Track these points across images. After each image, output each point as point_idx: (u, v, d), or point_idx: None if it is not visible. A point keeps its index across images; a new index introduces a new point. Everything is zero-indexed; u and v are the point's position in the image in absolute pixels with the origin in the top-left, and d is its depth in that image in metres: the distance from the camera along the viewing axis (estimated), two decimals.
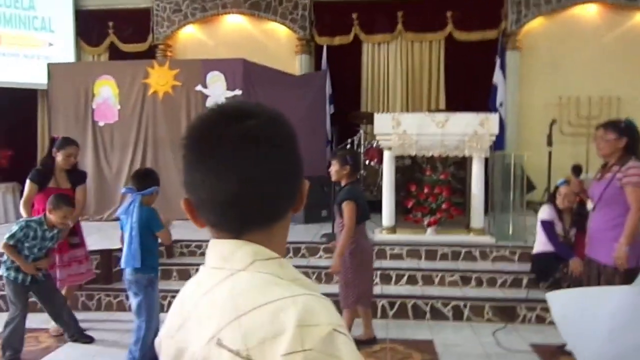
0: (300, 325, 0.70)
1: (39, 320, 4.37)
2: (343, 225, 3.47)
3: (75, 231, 4.15)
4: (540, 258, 4.26)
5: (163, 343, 0.86)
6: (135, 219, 3.29)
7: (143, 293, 3.36)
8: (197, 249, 5.19)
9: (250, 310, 0.73)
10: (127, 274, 3.37)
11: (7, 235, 3.54)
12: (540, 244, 4.24)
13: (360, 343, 3.57)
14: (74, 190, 4.10)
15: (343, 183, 3.62)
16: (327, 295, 0.80)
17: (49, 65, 7.04)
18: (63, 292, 4.06)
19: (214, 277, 0.80)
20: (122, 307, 4.63)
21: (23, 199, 3.97)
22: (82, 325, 4.05)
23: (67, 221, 3.66)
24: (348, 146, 7.75)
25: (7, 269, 3.60)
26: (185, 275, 4.81)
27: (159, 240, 3.52)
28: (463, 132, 5.05)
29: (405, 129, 5.12)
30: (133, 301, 3.41)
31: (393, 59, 8.18)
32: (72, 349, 3.82)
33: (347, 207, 3.42)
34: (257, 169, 0.80)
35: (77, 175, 4.17)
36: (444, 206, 5.13)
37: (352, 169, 3.57)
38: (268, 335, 0.70)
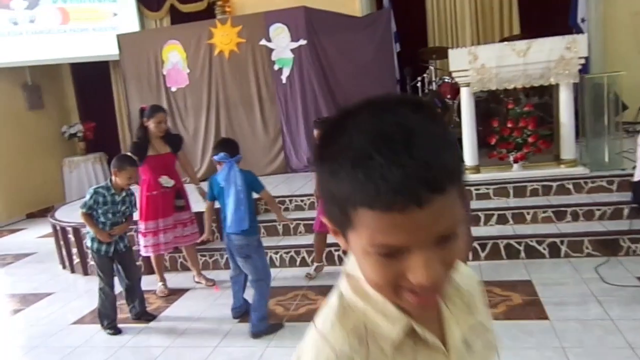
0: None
1: (147, 282, 4.70)
2: None
3: (181, 194, 4.36)
4: None
5: None
6: (240, 184, 3.39)
7: (256, 253, 3.50)
8: (281, 205, 5.28)
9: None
10: (236, 239, 3.43)
11: (80, 205, 3.71)
12: None
13: None
14: (174, 154, 4.31)
15: None
16: None
17: (118, 36, 7.19)
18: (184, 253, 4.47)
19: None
20: (217, 266, 4.85)
21: None
22: (184, 282, 4.36)
23: (132, 182, 3.73)
24: (419, 84, 7.49)
25: (91, 240, 3.71)
26: (273, 232, 4.95)
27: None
28: (548, 58, 4.70)
29: (483, 63, 4.84)
30: (246, 265, 3.48)
31: None
32: (178, 309, 4.07)
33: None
34: None
35: (173, 139, 4.36)
36: (530, 140, 4.86)
37: None
38: None
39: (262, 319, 3.45)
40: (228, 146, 3.50)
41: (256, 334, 3.42)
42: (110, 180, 3.70)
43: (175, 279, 4.68)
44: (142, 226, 4.27)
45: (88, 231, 3.77)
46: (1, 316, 4.38)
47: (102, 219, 3.65)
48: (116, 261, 3.77)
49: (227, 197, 3.44)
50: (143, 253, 4.40)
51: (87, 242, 3.83)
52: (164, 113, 4.26)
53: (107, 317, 3.75)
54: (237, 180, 3.40)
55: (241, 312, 3.72)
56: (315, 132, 4.11)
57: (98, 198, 3.62)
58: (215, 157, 3.50)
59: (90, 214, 3.63)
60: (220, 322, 3.71)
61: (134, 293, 3.88)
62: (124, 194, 3.73)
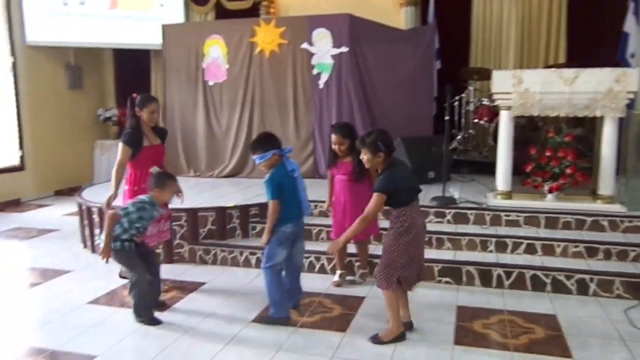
0: None
1: (164, 271, 4.70)
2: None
3: None
4: None
5: None
6: (299, 173, 3.64)
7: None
8: None
9: None
10: (302, 224, 3.70)
11: (122, 208, 3.58)
12: None
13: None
14: (163, 144, 4.16)
15: (380, 170, 3.31)
16: None
17: (163, 26, 7.29)
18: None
19: None
20: (235, 263, 4.82)
21: (118, 162, 3.95)
22: (201, 276, 4.37)
23: (175, 194, 3.74)
24: (455, 104, 7.40)
25: (114, 240, 3.50)
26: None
27: None
28: (595, 89, 4.58)
29: (527, 87, 4.74)
30: (300, 245, 3.73)
31: (507, 8, 7.56)
32: (192, 302, 4.04)
33: (374, 199, 3.19)
34: None
35: (162, 131, 4.22)
36: (568, 171, 4.73)
37: (386, 155, 3.24)
38: None
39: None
40: (276, 140, 3.60)
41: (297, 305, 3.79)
42: (153, 196, 3.59)
43: (192, 272, 4.67)
44: None
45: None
46: (20, 288, 4.42)
47: (137, 224, 3.54)
48: (138, 252, 3.64)
49: (296, 186, 3.59)
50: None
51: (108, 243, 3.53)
52: (157, 103, 4.07)
53: (145, 308, 3.65)
54: (298, 171, 3.63)
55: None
56: (333, 137, 4.01)
57: (143, 214, 3.54)
58: (287, 150, 3.62)
59: (118, 220, 3.48)
60: (232, 320, 3.67)
61: (157, 276, 3.85)
62: (162, 210, 3.76)
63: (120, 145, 3.96)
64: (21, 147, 7.86)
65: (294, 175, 3.58)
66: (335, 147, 4.03)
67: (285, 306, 3.61)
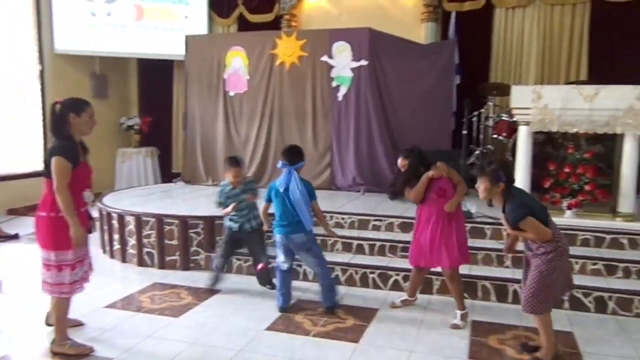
0: None
1: (181, 278, 4.75)
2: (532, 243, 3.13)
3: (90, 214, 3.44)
4: None
5: None
6: (301, 189, 3.80)
7: (316, 247, 3.99)
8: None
9: None
10: (297, 238, 3.87)
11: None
12: None
13: None
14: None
15: (497, 201, 3.16)
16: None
17: (186, 37, 7.44)
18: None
19: None
20: (250, 271, 4.83)
21: (63, 185, 3.09)
22: (197, 284, 4.45)
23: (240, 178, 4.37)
24: (474, 119, 7.38)
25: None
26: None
27: None
28: (616, 106, 4.55)
29: (546, 103, 4.72)
30: (308, 255, 3.93)
31: (529, 25, 7.54)
32: (207, 309, 4.07)
33: (529, 224, 3.00)
34: None
35: (85, 146, 3.36)
36: (587, 187, 4.69)
37: (506, 185, 3.08)
38: None
39: (335, 293, 4.04)
40: (292, 154, 3.91)
41: (332, 307, 3.96)
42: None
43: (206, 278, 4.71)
44: (52, 256, 3.21)
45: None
46: (36, 290, 4.49)
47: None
48: (243, 239, 4.46)
49: (284, 201, 3.85)
50: (49, 293, 3.31)
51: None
52: (92, 106, 3.29)
53: (213, 272, 4.50)
54: (299, 187, 3.80)
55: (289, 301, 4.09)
56: (400, 161, 3.81)
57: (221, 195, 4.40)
58: (279, 165, 3.93)
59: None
60: (246, 327, 3.69)
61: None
62: (241, 186, 4.38)
63: (58, 160, 3.07)
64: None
65: (280, 189, 3.89)
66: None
67: (280, 298, 4.01)
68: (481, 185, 3.12)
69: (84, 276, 3.39)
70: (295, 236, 3.87)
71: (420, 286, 4.14)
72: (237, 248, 4.57)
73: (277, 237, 3.96)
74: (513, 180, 3.14)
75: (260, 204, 4.19)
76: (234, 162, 4.38)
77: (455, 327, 3.69)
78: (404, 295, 4.15)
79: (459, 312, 3.76)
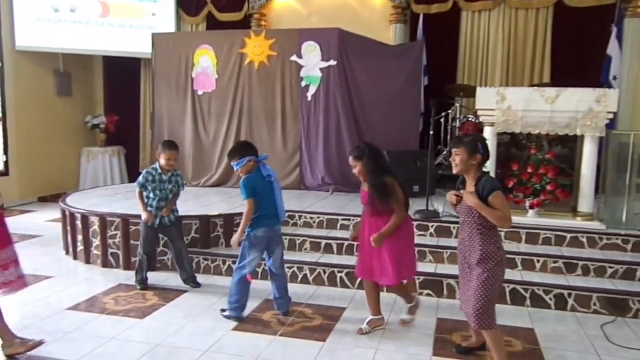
0: None
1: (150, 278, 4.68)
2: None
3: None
4: None
5: None
6: (275, 179, 3.78)
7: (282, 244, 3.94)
8: (290, 219, 5.25)
9: None
10: (279, 229, 3.83)
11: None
12: None
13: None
14: None
15: (470, 176, 2.97)
16: None
17: (153, 35, 7.33)
18: None
19: None
20: (218, 271, 4.82)
21: None
22: (164, 284, 4.40)
23: (172, 163, 4.27)
24: (442, 120, 7.49)
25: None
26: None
27: None
28: (576, 108, 4.68)
29: (510, 105, 4.83)
30: (278, 251, 3.82)
31: (494, 28, 7.69)
32: (173, 309, 4.03)
33: (500, 199, 2.83)
34: None
35: None
36: (549, 187, 4.81)
37: (482, 159, 2.92)
38: None
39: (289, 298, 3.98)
40: (252, 148, 3.82)
41: (288, 312, 3.90)
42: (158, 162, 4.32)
43: (175, 279, 4.64)
44: None
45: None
46: None
47: (151, 195, 4.29)
48: (162, 232, 4.46)
49: (272, 191, 3.74)
50: None
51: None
52: None
53: (138, 274, 4.45)
54: (274, 175, 3.76)
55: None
56: (351, 161, 3.48)
57: (148, 177, 4.27)
58: (263, 157, 3.80)
59: (141, 192, 4.28)
60: (212, 327, 3.67)
61: (181, 260, 4.50)
62: (169, 174, 4.32)
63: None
64: (5, 152, 7.81)
65: (270, 180, 3.74)
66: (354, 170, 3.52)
67: (239, 309, 3.80)
68: (457, 157, 2.94)
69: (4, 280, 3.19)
70: (277, 227, 3.80)
71: (378, 300, 3.71)
72: (158, 243, 4.70)
73: (260, 232, 3.67)
74: (489, 156, 2.98)
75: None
76: (171, 144, 4.29)
77: (404, 323, 3.76)
78: (367, 315, 3.71)
79: (407, 306, 3.77)
